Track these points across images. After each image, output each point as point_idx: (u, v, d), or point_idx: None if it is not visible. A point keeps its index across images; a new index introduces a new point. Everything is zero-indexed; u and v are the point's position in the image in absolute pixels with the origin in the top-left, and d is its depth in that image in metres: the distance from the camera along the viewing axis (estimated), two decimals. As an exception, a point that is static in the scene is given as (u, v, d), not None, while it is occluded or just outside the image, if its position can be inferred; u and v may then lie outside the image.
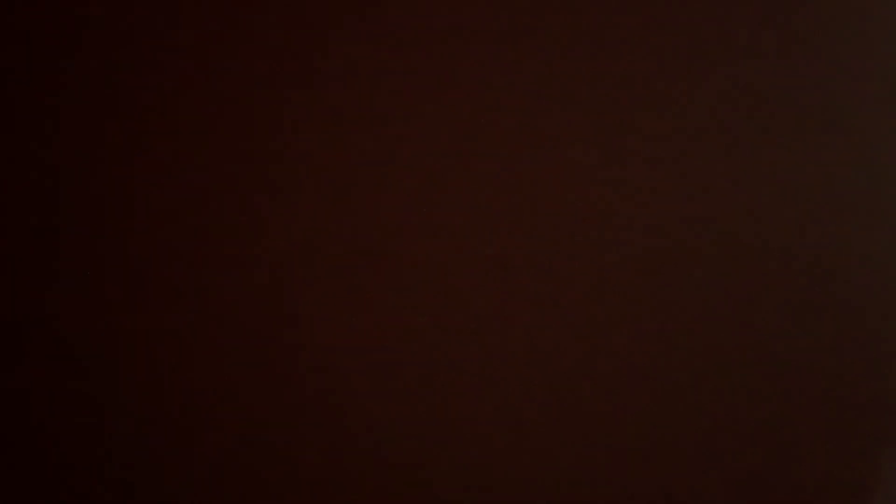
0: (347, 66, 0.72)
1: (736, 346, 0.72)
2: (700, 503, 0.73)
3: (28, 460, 0.72)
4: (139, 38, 0.72)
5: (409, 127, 0.72)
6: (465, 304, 0.72)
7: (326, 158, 0.72)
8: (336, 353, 0.72)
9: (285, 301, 0.72)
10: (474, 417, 0.72)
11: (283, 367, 0.72)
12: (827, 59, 0.73)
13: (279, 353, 0.72)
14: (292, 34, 0.72)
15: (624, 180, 0.72)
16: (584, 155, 0.72)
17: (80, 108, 0.73)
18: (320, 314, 0.72)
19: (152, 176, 0.72)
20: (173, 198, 0.72)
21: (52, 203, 0.73)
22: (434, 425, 0.72)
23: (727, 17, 0.73)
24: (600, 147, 0.72)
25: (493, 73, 0.72)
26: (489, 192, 0.72)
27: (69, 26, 0.72)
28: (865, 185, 0.73)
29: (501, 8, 0.72)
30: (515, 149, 0.72)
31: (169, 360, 0.72)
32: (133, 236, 0.72)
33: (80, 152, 0.72)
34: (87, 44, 0.72)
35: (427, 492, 0.72)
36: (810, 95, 0.73)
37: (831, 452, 0.72)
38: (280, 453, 0.72)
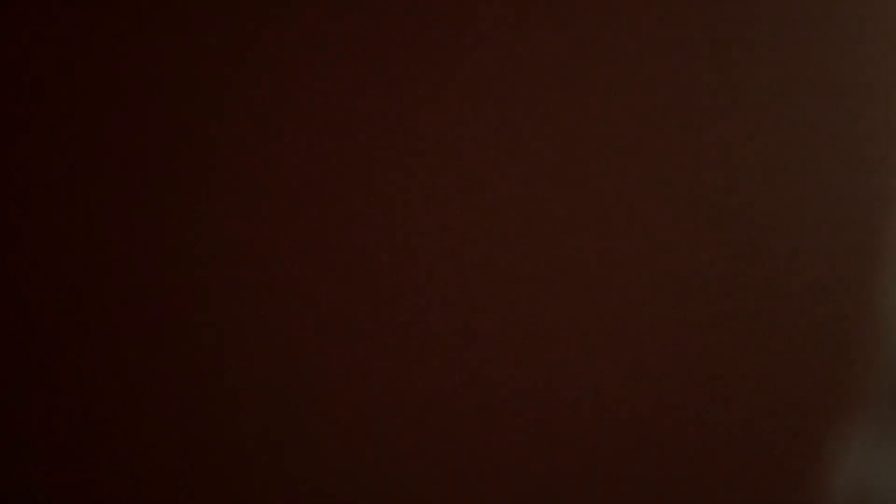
0: (346, 65, 0.72)
1: (735, 345, 0.73)
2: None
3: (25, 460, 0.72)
4: (137, 40, 0.72)
5: (408, 128, 0.72)
6: (466, 305, 0.72)
7: (329, 160, 0.72)
8: (340, 356, 0.72)
9: (287, 304, 0.72)
10: (475, 423, 0.73)
11: (288, 369, 0.72)
12: (828, 62, 0.73)
13: (283, 355, 0.72)
14: (300, 38, 0.72)
15: (624, 181, 0.73)
16: (588, 155, 0.72)
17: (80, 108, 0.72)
18: (324, 316, 0.72)
19: (151, 177, 0.72)
20: (173, 200, 0.72)
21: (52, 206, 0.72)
22: (434, 427, 0.73)
23: (726, 17, 0.73)
24: (603, 147, 0.73)
25: (492, 74, 0.72)
26: (489, 193, 0.73)
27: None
28: (866, 187, 0.73)
29: (501, 10, 0.72)
30: (516, 151, 0.72)
31: (172, 362, 0.72)
32: (135, 237, 0.72)
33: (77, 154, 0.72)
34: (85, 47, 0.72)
35: (427, 494, 0.73)
36: (812, 99, 0.73)
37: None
38: (284, 458, 0.72)
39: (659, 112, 0.73)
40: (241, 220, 0.72)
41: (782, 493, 0.73)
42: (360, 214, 0.72)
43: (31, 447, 0.72)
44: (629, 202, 0.73)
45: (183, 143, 0.72)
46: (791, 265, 0.73)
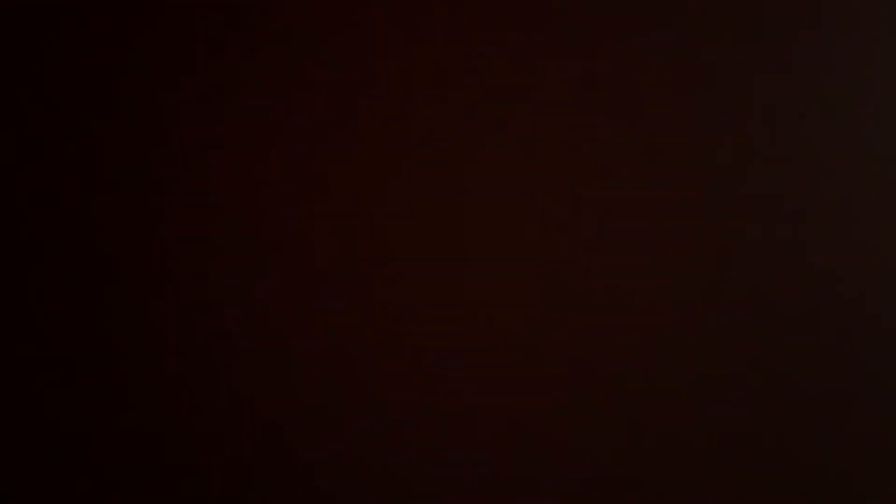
0: (347, 68, 0.72)
1: (736, 346, 0.72)
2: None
3: (31, 460, 0.72)
4: (147, 46, 0.72)
5: (412, 129, 0.72)
6: (468, 304, 0.72)
7: (335, 160, 0.72)
8: (344, 354, 0.72)
9: (294, 302, 0.72)
10: (478, 417, 0.72)
11: (292, 367, 0.72)
12: (829, 69, 0.73)
13: (287, 354, 0.72)
14: (303, 40, 0.72)
15: (626, 184, 0.72)
16: (590, 158, 0.72)
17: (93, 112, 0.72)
18: (329, 315, 0.72)
19: (162, 182, 0.72)
20: (180, 201, 0.72)
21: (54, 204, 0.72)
22: (435, 423, 0.72)
23: (729, 26, 0.72)
24: (605, 150, 0.72)
25: (495, 75, 0.72)
26: (493, 193, 0.72)
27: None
28: (865, 189, 0.72)
29: (502, 13, 0.72)
30: (519, 153, 0.72)
31: (178, 361, 0.72)
32: (144, 242, 0.72)
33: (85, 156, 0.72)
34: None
35: (427, 490, 0.72)
36: (812, 104, 0.73)
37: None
38: (289, 452, 0.72)
39: (667, 111, 0.72)
40: (261, 220, 0.72)
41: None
42: (370, 214, 0.72)
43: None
44: (639, 203, 0.72)
45: (182, 143, 0.72)
46: (817, 275, 0.72)
